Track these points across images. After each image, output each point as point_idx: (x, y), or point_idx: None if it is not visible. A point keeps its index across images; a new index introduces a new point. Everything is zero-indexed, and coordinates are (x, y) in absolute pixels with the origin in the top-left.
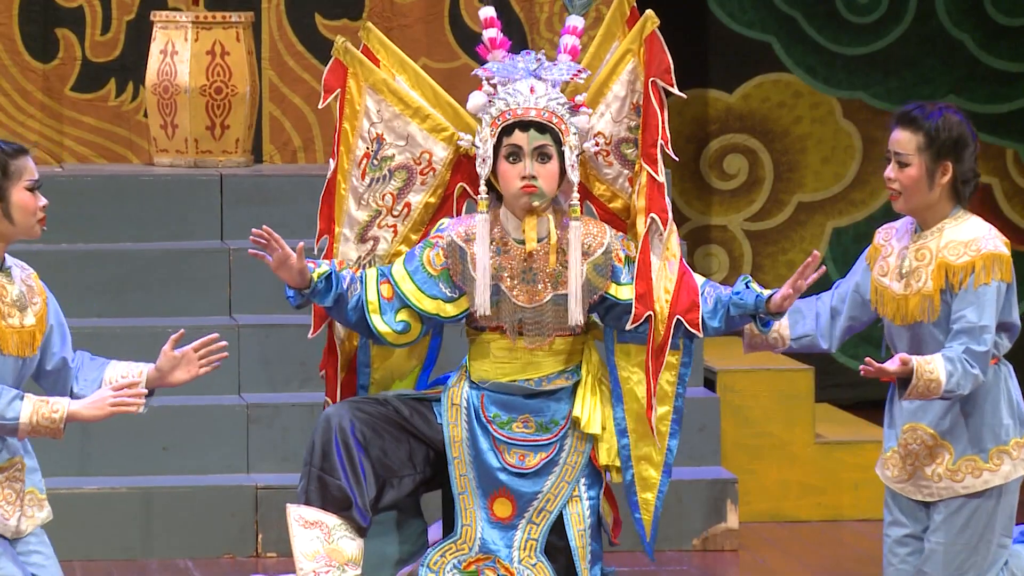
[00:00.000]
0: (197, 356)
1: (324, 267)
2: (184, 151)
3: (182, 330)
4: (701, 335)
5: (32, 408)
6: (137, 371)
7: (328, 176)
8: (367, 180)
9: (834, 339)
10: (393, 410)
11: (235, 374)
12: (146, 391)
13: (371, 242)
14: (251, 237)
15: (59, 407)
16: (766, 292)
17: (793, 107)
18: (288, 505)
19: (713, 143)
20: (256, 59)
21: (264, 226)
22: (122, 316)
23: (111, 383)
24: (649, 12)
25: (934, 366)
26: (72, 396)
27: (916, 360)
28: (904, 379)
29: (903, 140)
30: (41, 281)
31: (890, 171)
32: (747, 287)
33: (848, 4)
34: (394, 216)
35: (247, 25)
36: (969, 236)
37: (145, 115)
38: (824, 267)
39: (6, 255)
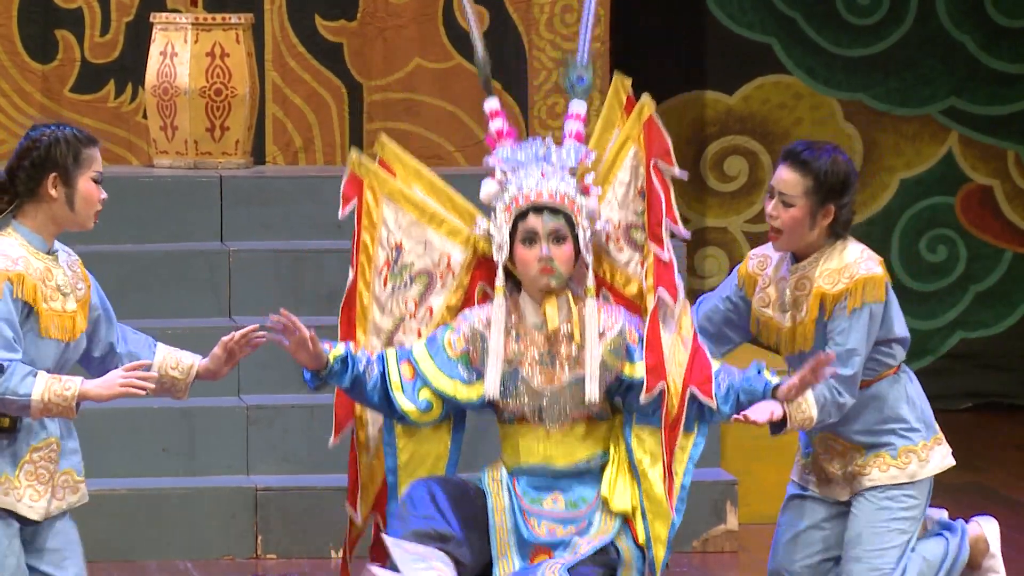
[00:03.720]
0: (239, 345)
1: (340, 349)
2: (184, 153)
3: (233, 334)
4: (714, 405)
5: (44, 385)
6: (188, 363)
7: (348, 285)
8: (389, 288)
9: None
10: (464, 484)
11: (235, 375)
12: (156, 375)
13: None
14: (269, 322)
15: (71, 385)
16: (775, 380)
17: (793, 109)
18: (386, 537)
19: (713, 145)
20: (256, 61)
21: (282, 310)
22: (122, 317)
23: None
24: (645, 97)
25: (806, 405)
26: None
27: (788, 408)
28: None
29: (791, 181)
30: (86, 268)
31: (772, 208)
32: (759, 373)
33: (848, 5)
34: (417, 321)
35: (247, 27)
36: (843, 263)
37: (144, 116)
38: (835, 368)
39: (54, 240)
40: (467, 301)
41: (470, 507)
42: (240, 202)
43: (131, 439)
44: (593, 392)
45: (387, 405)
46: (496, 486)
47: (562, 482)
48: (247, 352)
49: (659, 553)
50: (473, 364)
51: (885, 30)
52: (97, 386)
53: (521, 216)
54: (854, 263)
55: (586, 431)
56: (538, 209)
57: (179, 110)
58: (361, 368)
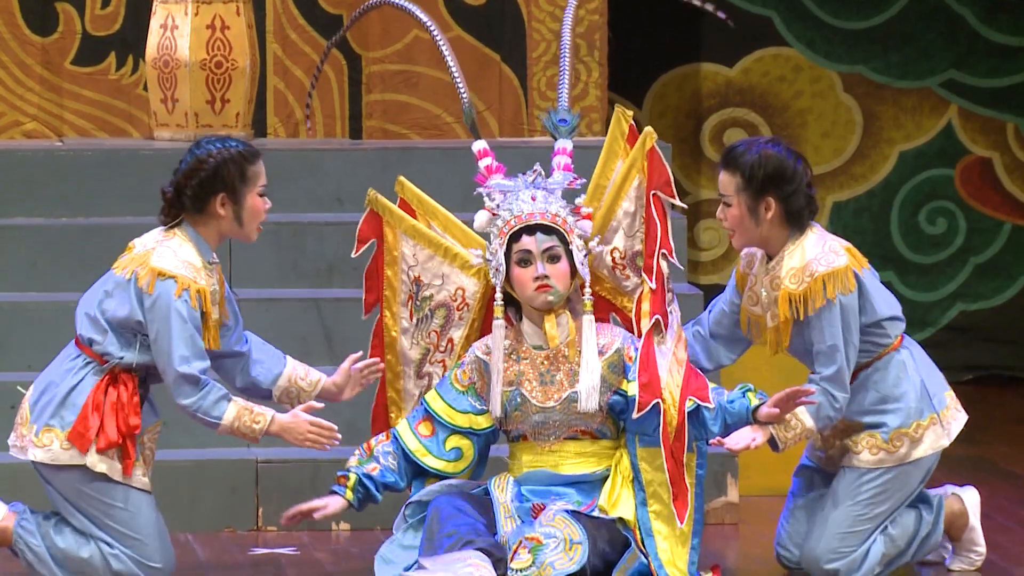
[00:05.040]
0: (359, 376)
1: (352, 477)
2: (184, 125)
3: (360, 351)
4: (712, 406)
5: (235, 414)
6: (316, 379)
7: (376, 321)
8: (414, 320)
9: (718, 359)
10: (476, 496)
11: None
12: (339, 437)
13: (426, 378)
14: (285, 523)
15: (261, 420)
16: (755, 401)
17: (793, 81)
18: (423, 559)
19: (713, 117)
20: (256, 33)
21: (286, 514)
22: None
23: (302, 396)
24: (648, 129)
25: (796, 421)
26: (248, 378)
27: (774, 429)
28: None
29: (724, 181)
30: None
31: (719, 212)
32: (743, 395)
33: None
34: (441, 352)
35: None
36: (803, 261)
37: (145, 88)
38: (816, 399)
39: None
40: (484, 332)
41: (486, 513)
42: None
43: None
44: (588, 403)
45: (421, 474)
46: (501, 481)
47: (561, 488)
48: (367, 381)
49: (674, 574)
50: (480, 394)
51: (885, 3)
52: (286, 431)
53: (515, 237)
54: (814, 260)
55: (588, 447)
56: (531, 229)
57: (180, 83)
58: (381, 470)
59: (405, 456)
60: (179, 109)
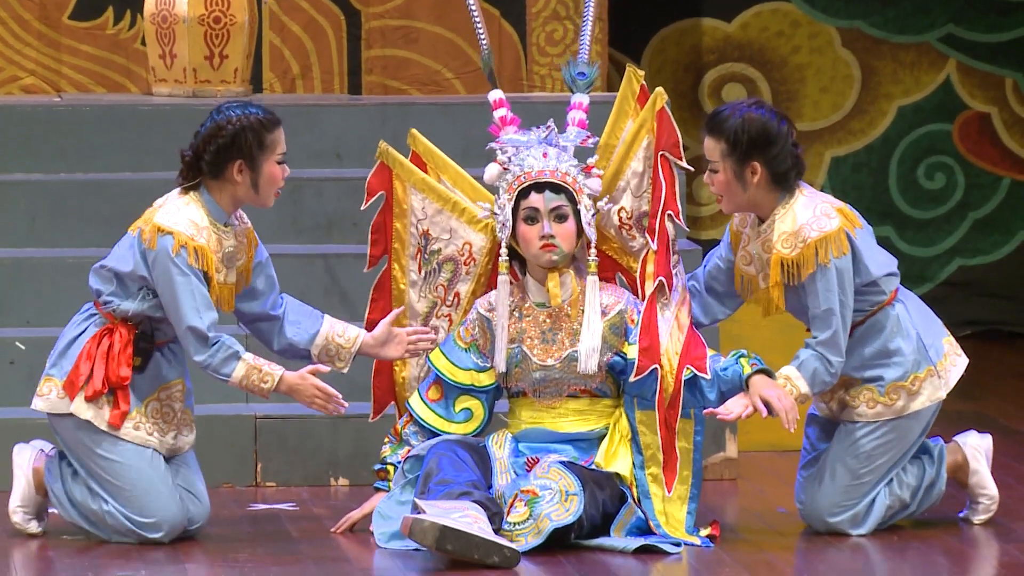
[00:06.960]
0: (408, 339)
1: (390, 469)
2: (183, 81)
3: (403, 307)
4: (708, 376)
5: (244, 372)
6: (354, 335)
7: (382, 271)
8: (422, 273)
9: (713, 314)
10: (476, 445)
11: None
12: (345, 405)
13: (432, 332)
14: (338, 534)
15: (269, 380)
16: (748, 370)
17: (791, 36)
18: (419, 501)
19: (712, 72)
20: None
21: (338, 527)
22: None
23: (321, 355)
24: (659, 89)
25: (791, 386)
26: (285, 340)
27: (766, 394)
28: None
29: (710, 147)
30: (255, 233)
31: (707, 177)
32: (736, 362)
33: None
34: (448, 306)
35: None
36: (795, 225)
37: (143, 43)
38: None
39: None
40: (490, 287)
41: (483, 465)
42: None
43: None
44: (588, 364)
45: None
46: (499, 438)
47: (559, 444)
48: (415, 349)
49: (673, 531)
50: (483, 351)
51: None
52: (293, 391)
53: (523, 194)
54: (806, 224)
55: (587, 405)
56: (540, 187)
57: (178, 38)
58: (415, 455)
59: (423, 428)
60: (177, 65)
